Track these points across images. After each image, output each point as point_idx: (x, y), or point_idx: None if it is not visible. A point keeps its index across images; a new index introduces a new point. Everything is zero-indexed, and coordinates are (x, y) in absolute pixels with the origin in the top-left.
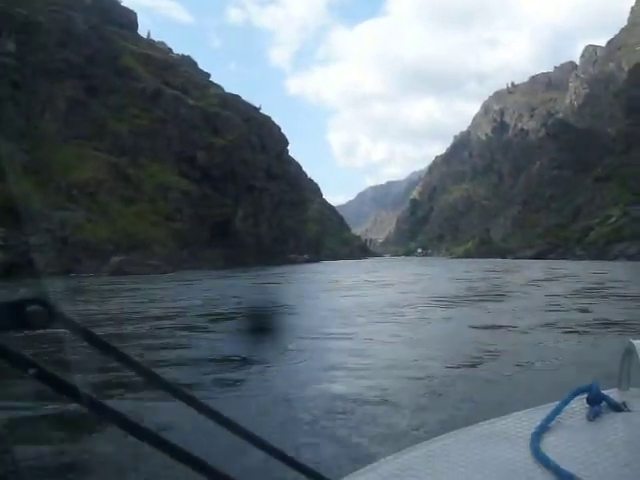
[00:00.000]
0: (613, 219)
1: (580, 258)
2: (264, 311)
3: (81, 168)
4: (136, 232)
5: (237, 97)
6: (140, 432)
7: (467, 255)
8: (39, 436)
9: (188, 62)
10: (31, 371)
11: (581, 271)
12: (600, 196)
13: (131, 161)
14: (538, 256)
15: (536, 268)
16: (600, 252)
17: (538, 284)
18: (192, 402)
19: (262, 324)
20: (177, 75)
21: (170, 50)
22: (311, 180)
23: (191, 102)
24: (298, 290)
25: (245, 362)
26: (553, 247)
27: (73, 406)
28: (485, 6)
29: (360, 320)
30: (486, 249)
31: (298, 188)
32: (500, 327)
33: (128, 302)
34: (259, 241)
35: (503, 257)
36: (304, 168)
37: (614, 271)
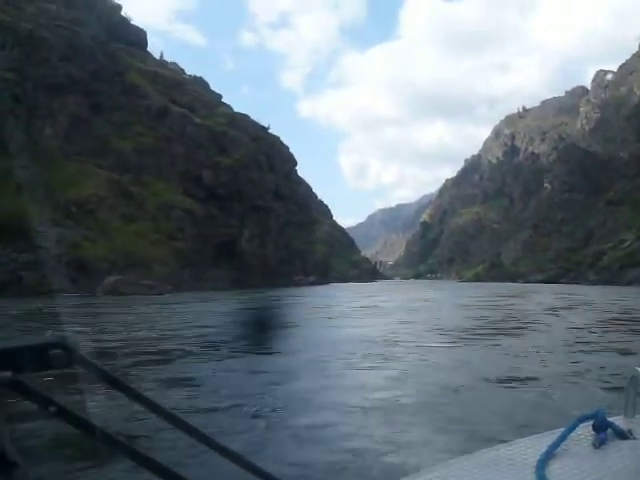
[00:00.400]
0: (627, 243)
1: (593, 283)
2: (212, 345)
3: (82, 185)
4: (135, 251)
5: (246, 116)
6: (152, 466)
7: (477, 279)
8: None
9: (200, 83)
10: (52, 409)
11: (596, 297)
12: (612, 220)
13: (134, 179)
14: (549, 280)
15: (548, 293)
16: (613, 277)
17: (555, 313)
18: (214, 445)
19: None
20: (184, 93)
21: (183, 71)
22: (321, 202)
23: (198, 120)
24: (282, 316)
25: None
26: (564, 271)
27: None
28: (497, 31)
29: (334, 366)
30: (496, 273)
31: (306, 209)
32: (522, 380)
33: (92, 325)
34: (265, 262)
35: (514, 281)
36: (314, 189)
37: (633, 298)
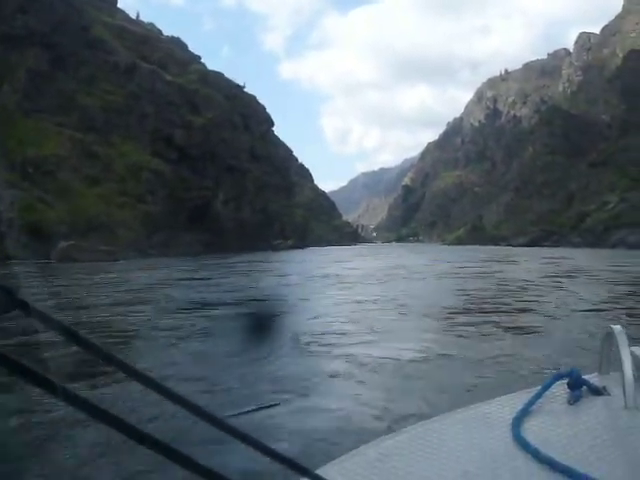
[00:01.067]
0: (611, 205)
1: (575, 245)
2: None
3: (41, 144)
4: (98, 214)
5: (220, 74)
6: (111, 420)
7: (459, 242)
8: None
9: (178, 44)
10: None
11: (587, 261)
12: (595, 182)
13: (100, 139)
14: (532, 243)
15: (535, 257)
16: (597, 239)
17: (555, 281)
18: (165, 392)
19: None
20: (155, 50)
21: (160, 32)
22: (302, 165)
23: (169, 78)
24: (214, 287)
25: None
26: (547, 234)
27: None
28: None
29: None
30: (478, 236)
31: (284, 171)
32: None
33: None
34: (241, 226)
35: (496, 244)
36: (295, 153)
37: (629, 262)
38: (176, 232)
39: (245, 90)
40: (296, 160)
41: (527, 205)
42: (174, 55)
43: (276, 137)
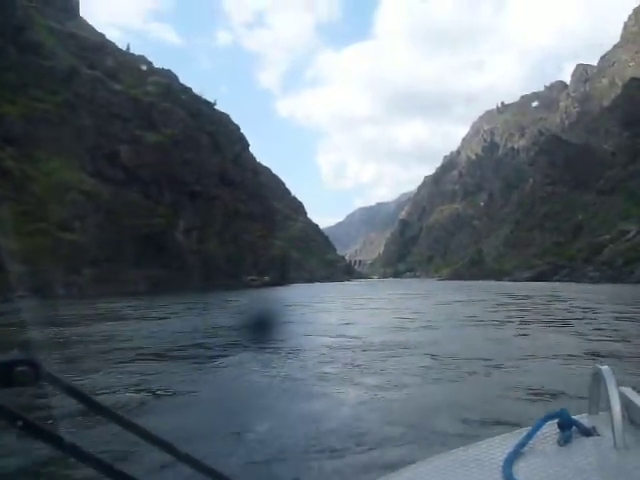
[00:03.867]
0: (631, 234)
1: (593, 281)
2: None
3: None
4: None
5: (187, 89)
6: (122, 477)
7: (457, 276)
8: None
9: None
10: (18, 423)
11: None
12: (605, 211)
13: (18, 153)
14: (539, 278)
15: (563, 297)
16: (618, 273)
17: None
18: (180, 455)
19: None
20: (107, 59)
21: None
22: (295, 198)
23: (117, 87)
24: None
25: None
26: (555, 268)
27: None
28: (471, 29)
29: None
30: (477, 270)
31: (262, 199)
32: None
33: None
34: (206, 260)
35: (498, 279)
36: (292, 188)
37: None
38: (116, 267)
39: (216, 108)
40: (289, 193)
41: (529, 238)
42: (130, 65)
43: (254, 161)
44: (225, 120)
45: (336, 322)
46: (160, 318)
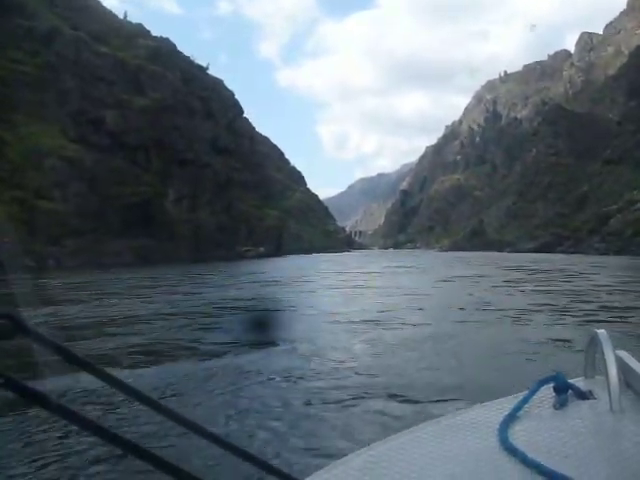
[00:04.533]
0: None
1: (600, 252)
2: None
3: None
4: None
5: (177, 52)
6: (103, 434)
7: (458, 247)
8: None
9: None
10: (0, 381)
11: None
12: (611, 180)
13: None
14: (542, 249)
15: (578, 269)
16: (626, 244)
17: None
18: (155, 406)
19: None
20: (94, 21)
21: (148, 32)
22: (294, 168)
23: (103, 50)
24: None
25: None
26: (559, 239)
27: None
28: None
29: None
30: (479, 241)
31: (257, 167)
32: None
33: None
34: (197, 230)
35: (499, 250)
36: (292, 158)
37: None
38: (99, 237)
39: (210, 73)
40: (288, 163)
41: (532, 209)
42: (118, 27)
43: (250, 128)
44: (219, 86)
45: (296, 317)
46: (132, 295)
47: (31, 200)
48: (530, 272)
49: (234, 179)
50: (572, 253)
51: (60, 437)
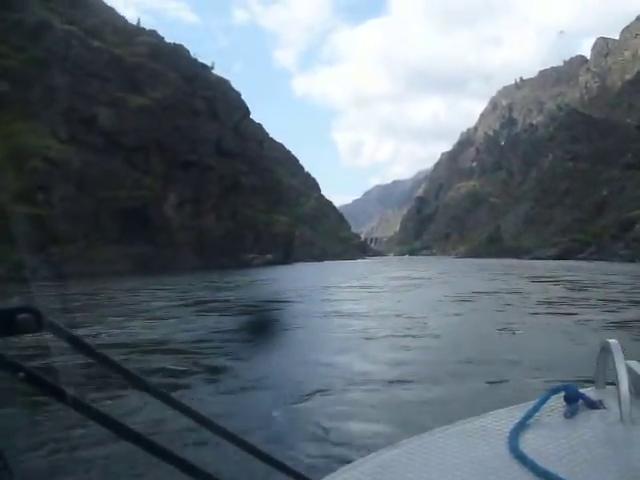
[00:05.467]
0: None
1: (624, 259)
2: None
3: None
4: None
5: (181, 49)
6: (123, 431)
7: (474, 254)
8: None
9: (180, 51)
10: (20, 375)
11: None
12: (632, 185)
13: None
14: (562, 256)
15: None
16: None
17: None
18: (176, 405)
19: None
20: (91, 15)
21: (162, 38)
22: (309, 175)
23: (97, 44)
24: None
25: None
26: (580, 245)
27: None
28: (488, 5)
29: None
30: (496, 248)
31: (265, 171)
32: None
33: None
34: (201, 237)
35: (518, 257)
36: (307, 165)
37: None
38: (91, 244)
39: (214, 72)
40: (302, 169)
41: (549, 215)
42: (117, 24)
43: (259, 131)
44: (224, 86)
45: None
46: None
47: (9, 204)
48: (568, 285)
49: (241, 183)
50: (594, 260)
51: (78, 433)
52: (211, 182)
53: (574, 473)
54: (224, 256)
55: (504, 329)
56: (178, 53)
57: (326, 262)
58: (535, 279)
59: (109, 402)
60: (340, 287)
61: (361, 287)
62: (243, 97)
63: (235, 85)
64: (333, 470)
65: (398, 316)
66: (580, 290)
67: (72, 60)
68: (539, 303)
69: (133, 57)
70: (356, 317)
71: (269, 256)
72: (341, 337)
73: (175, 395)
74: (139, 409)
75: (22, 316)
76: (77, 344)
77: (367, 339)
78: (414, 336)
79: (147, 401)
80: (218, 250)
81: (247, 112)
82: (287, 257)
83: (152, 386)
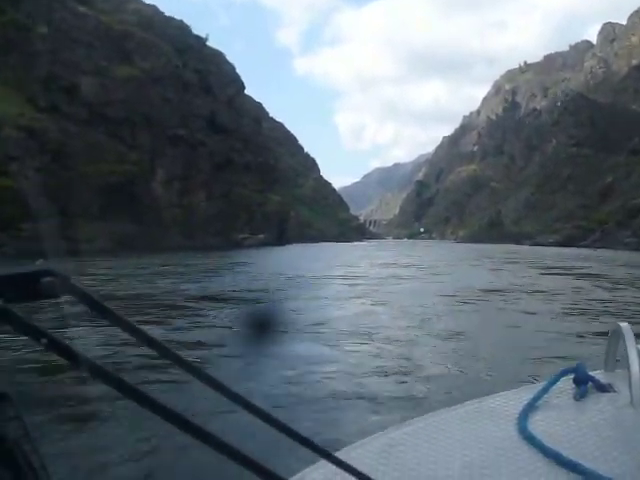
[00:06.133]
0: None
1: (630, 247)
2: None
3: None
4: None
5: (175, 21)
6: (143, 399)
7: (474, 239)
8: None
9: (179, 25)
10: (43, 340)
11: None
12: (639, 172)
13: None
14: (565, 243)
15: None
16: None
17: None
18: (198, 373)
19: None
20: None
21: (162, 13)
22: (308, 155)
23: (82, 10)
24: None
25: None
26: (583, 232)
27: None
28: None
29: None
30: (496, 233)
31: (260, 148)
32: None
33: None
34: (189, 215)
35: (518, 242)
36: (306, 146)
37: None
38: (70, 221)
39: (209, 44)
40: (302, 149)
41: (550, 200)
42: None
43: (256, 108)
44: (218, 59)
45: None
46: None
47: None
48: (592, 280)
49: (234, 161)
50: (599, 248)
51: (100, 400)
52: (202, 159)
53: (584, 455)
54: (215, 236)
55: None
56: (171, 24)
57: (322, 244)
58: (545, 270)
59: (132, 371)
60: (318, 277)
61: (344, 277)
62: (243, 76)
63: (237, 65)
64: (342, 447)
65: (372, 336)
66: (614, 289)
67: (55, 25)
68: (571, 310)
69: (122, 25)
70: (311, 336)
71: (261, 236)
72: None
73: (202, 367)
74: (160, 375)
75: (47, 279)
76: (101, 310)
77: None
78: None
79: (174, 372)
80: (208, 230)
81: (242, 87)
82: (280, 238)
83: (179, 357)
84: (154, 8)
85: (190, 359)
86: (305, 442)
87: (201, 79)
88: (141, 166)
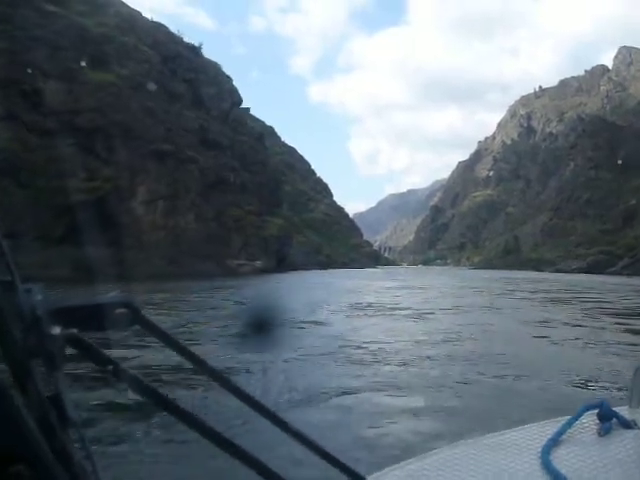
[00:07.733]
0: None
1: None
2: None
3: None
4: None
5: (164, 27)
6: (194, 423)
7: (489, 265)
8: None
9: (193, 51)
10: (109, 367)
11: None
12: None
13: None
14: (591, 270)
15: None
16: None
17: None
18: (262, 410)
19: None
20: None
21: (146, 18)
22: (320, 180)
23: (50, 8)
24: None
25: None
26: (610, 258)
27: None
28: (506, 16)
29: None
30: (513, 259)
31: (259, 167)
32: None
33: None
34: (176, 239)
35: (537, 270)
36: (316, 168)
37: None
38: (25, 245)
39: (204, 54)
40: (313, 174)
41: (569, 226)
42: None
43: (258, 124)
44: (213, 69)
45: None
46: None
47: None
48: None
49: (228, 180)
50: (630, 275)
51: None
52: (191, 176)
53: None
54: (205, 262)
55: None
56: (159, 30)
57: (331, 270)
58: (613, 314)
59: (191, 399)
60: (300, 322)
61: (335, 312)
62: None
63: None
64: (369, 474)
65: None
66: None
67: (16, 24)
68: None
69: (100, 28)
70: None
71: (259, 263)
72: None
73: (251, 393)
74: (222, 408)
75: (120, 311)
76: (169, 342)
77: None
78: None
79: (236, 405)
80: (197, 255)
81: (238, 100)
82: (281, 264)
83: (241, 390)
84: (137, 13)
85: (247, 391)
86: (340, 465)
87: (191, 90)
88: (117, 183)
